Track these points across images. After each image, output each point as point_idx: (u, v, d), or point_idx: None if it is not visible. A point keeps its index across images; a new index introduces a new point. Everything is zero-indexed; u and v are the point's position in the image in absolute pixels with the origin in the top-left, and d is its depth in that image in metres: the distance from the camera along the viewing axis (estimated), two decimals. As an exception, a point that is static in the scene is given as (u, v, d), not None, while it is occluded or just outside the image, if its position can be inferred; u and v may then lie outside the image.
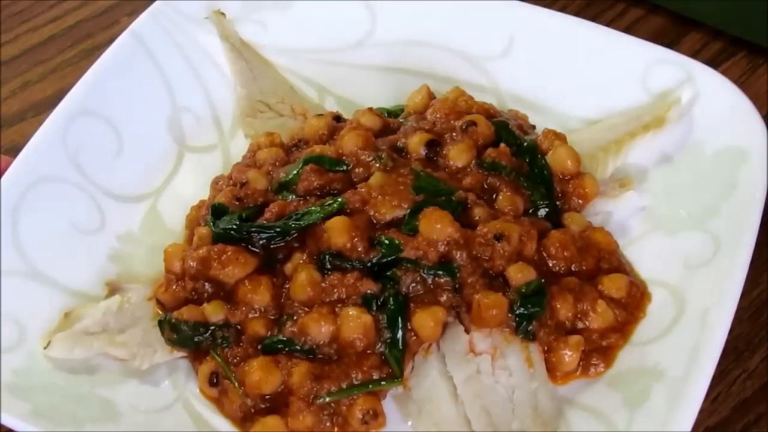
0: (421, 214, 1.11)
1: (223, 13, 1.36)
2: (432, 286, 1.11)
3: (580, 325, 1.13)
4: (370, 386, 1.07)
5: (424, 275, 1.10)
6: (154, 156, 1.28)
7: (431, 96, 1.28)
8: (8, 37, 1.57)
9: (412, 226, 1.12)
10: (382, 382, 1.08)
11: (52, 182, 1.19)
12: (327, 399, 1.06)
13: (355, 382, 1.07)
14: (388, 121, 1.26)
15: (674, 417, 0.99)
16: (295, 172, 1.18)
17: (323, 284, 1.10)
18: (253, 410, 1.08)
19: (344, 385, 1.07)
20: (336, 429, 1.07)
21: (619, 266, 1.18)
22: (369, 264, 1.11)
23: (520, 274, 1.11)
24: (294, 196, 1.17)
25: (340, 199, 1.13)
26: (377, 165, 1.17)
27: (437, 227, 1.10)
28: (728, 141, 1.21)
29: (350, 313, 1.07)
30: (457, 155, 1.19)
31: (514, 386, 1.08)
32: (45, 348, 1.09)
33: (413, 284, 1.10)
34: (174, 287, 1.15)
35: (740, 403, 1.12)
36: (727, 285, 1.08)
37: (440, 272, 1.10)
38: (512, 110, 1.30)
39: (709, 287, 1.10)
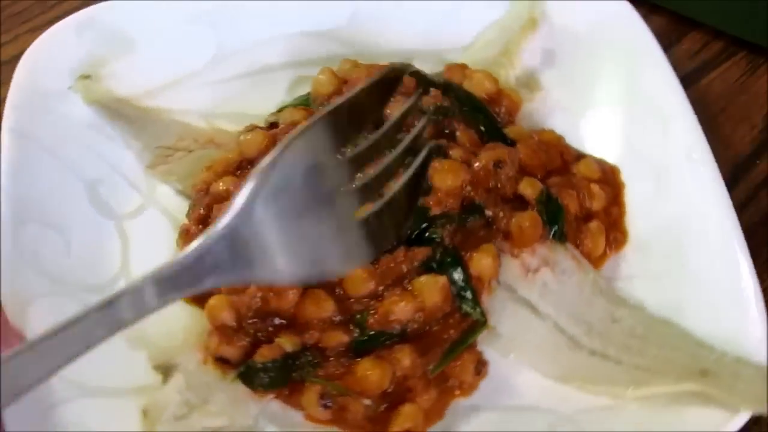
0: (430, 171, 1.13)
1: (88, 76, 1.28)
2: (470, 229, 1.13)
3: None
4: (468, 340, 1.09)
5: (459, 223, 1.13)
6: (98, 237, 1.21)
7: (337, 76, 1.28)
8: (8, 38, 1.50)
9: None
10: (474, 333, 1.10)
11: (43, 298, 1.10)
12: (440, 368, 1.07)
13: (452, 343, 1.09)
14: (312, 111, 1.25)
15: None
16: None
17: (378, 271, 1.09)
18: (381, 410, 1.07)
19: (446, 350, 1.08)
20: (457, 392, 1.09)
21: (579, 154, 1.27)
22: (407, 238, 1.12)
23: (530, 189, 1.16)
24: None
25: None
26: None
27: (450, 176, 1.13)
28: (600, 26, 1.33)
29: (424, 281, 1.08)
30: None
31: (577, 283, 1.14)
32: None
33: (454, 235, 1.12)
34: (234, 339, 1.09)
35: None
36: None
37: (471, 215, 1.14)
38: (393, 63, 1.31)
39: (662, 146, 1.23)
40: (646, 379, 1.05)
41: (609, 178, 1.24)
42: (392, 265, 1.09)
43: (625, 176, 1.25)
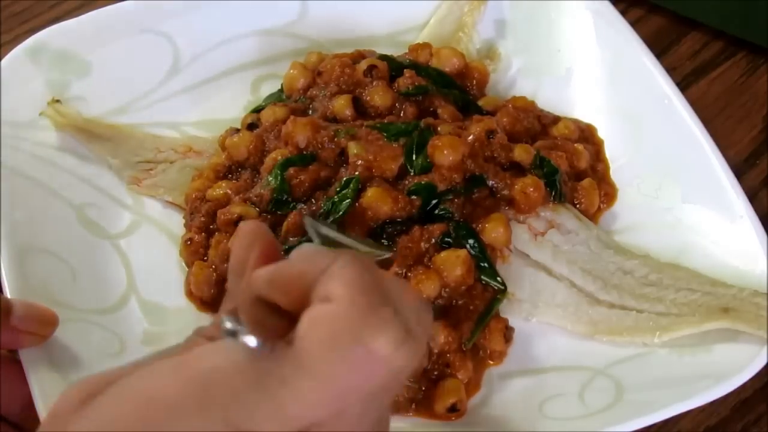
0: (430, 149, 1.14)
1: (58, 100, 1.24)
2: (475, 201, 1.15)
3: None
4: (493, 309, 1.10)
5: (465, 196, 1.14)
6: (98, 259, 1.18)
7: (308, 68, 1.28)
8: (8, 38, 1.46)
9: (422, 164, 1.14)
10: (497, 301, 1.11)
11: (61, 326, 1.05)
12: (473, 340, 1.08)
13: (479, 314, 1.10)
14: (292, 107, 1.25)
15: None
16: (275, 184, 1.14)
17: (398, 253, 1.09)
18: (423, 390, 1.07)
19: (475, 321, 1.10)
20: (490, 362, 1.11)
21: (554, 117, 1.29)
22: (417, 216, 1.13)
23: (525, 154, 1.18)
24: (294, 204, 1.13)
25: (355, 178, 1.12)
26: (342, 138, 1.16)
27: (451, 151, 1.13)
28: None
29: (445, 256, 1.09)
30: (383, 97, 1.22)
31: (585, 241, 1.16)
32: None
33: (462, 208, 1.13)
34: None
35: (740, 403, 1.12)
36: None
37: (475, 186, 1.15)
38: (359, 49, 1.33)
39: (634, 97, 1.27)
40: (670, 323, 1.08)
41: (588, 136, 1.27)
42: (411, 245, 1.09)
43: (601, 131, 1.28)
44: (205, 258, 1.16)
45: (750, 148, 1.35)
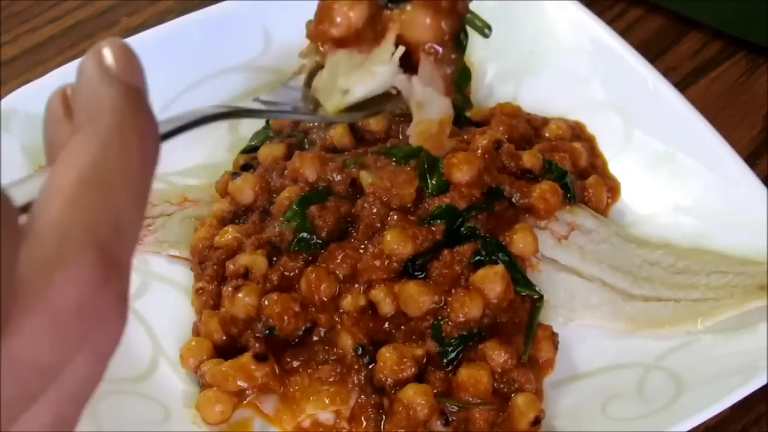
0: (446, 168, 1.12)
1: (42, 166, 1.17)
2: (497, 214, 1.13)
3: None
4: (536, 319, 1.09)
5: (487, 210, 1.12)
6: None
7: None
8: (8, 38, 1.45)
9: (438, 184, 1.12)
10: (538, 310, 1.10)
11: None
12: (528, 352, 1.07)
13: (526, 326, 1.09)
14: (290, 142, 1.22)
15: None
16: (297, 222, 1.10)
17: (433, 282, 1.08)
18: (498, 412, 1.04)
19: (525, 333, 1.08)
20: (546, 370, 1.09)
21: (542, 118, 1.29)
22: (443, 239, 1.10)
23: (534, 160, 1.17)
24: (317, 241, 1.10)
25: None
26: (353, 169, 1.13)
27: (467, 168, 1.11)
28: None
29: (483, 274, 1.06)
30: (377, 120, 1.22)
31: (606, 238, 1.16)
32: None
33: (487, 223, 1.11)
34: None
35: (740, 403, 1.07)
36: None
37: (494, 199, 1.13)
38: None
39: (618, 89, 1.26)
40: (710, 308, 1.08)
41: (579, 134, 1.26)
42: (445, 270, 1.07)
43: (593, 126, 1.28)
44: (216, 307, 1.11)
45: (750, 148, 1.35)
